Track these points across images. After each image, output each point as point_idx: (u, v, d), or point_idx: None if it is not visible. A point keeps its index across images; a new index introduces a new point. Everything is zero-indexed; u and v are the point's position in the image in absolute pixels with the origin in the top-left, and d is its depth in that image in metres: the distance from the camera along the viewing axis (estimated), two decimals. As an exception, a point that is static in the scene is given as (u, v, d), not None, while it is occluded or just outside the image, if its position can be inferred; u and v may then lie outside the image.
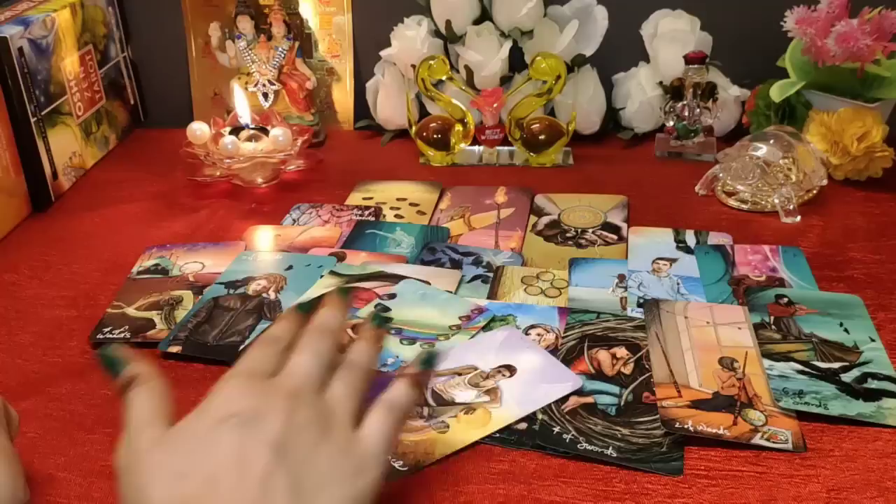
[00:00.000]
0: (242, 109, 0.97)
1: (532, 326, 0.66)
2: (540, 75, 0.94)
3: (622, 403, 0.58)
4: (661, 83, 0.99)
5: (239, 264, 0.77)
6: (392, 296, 0.71)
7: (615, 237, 0.80)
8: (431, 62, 0.95)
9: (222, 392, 0.45)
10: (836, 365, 0.60)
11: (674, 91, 0.94)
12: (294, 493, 0.39)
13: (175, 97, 1.13)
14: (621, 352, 0.63)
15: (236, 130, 0.95)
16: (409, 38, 1.00)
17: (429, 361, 0.49)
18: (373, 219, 0.86)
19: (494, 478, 0.53)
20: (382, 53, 1.04)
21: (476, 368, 0.61)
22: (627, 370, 0.61)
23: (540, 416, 0.57)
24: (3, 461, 0.46)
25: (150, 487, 0.40)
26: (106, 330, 0.69)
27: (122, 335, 0.68)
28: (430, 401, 0.59)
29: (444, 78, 0.97)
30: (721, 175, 0.86)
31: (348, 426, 0.44)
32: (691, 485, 0.52)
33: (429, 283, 0.72)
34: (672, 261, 0.75)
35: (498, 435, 0.56)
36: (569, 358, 0.62)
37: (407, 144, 1.02)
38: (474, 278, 0.74)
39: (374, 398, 0.59)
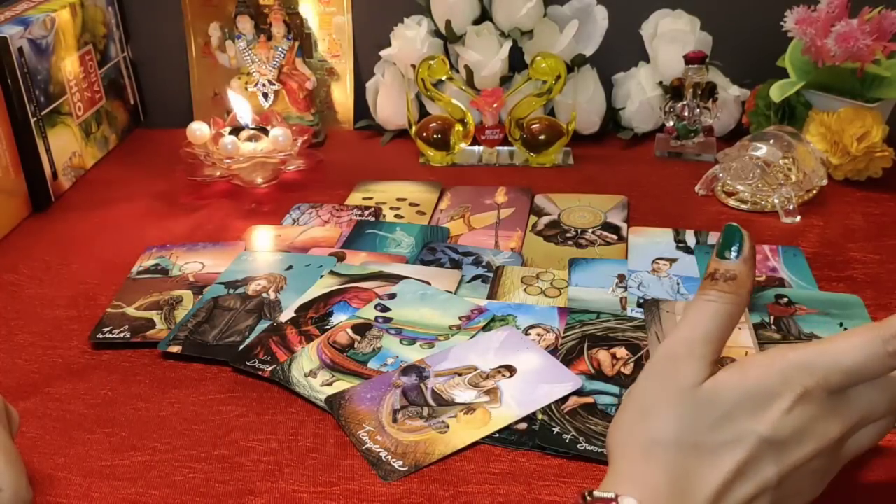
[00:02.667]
0: (241, 111, 0.96)
1: (532, 326, 0.66)
2: (540, 75, 0.94)
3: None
4: (661, 83, 0.99)
5: (239, 264, 0.77)
6: (392, 296, 0.71)
7: (615, 237, 0.80)
8: (431, 62, 0.95)
9: (779, 395, 0.42)
10: (836, 365, 0.60)
11: (674, 91, 0.94)
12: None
13: (175, 97, 1.12)
14: (621, 352, 0.63)
15: (236, 130, 0.95)
16: (409, 38, 1.00)
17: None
18: (373, 219, 0.86)
19: (494, 478, 0.53)
20: (382, 53, 1.04)
21: (476, 368, 0.61)
22: (627, 370, 0.61)
23: (540, 416, 0.57)
24: (5, 460, 0.46)
25: (663, 423, 0.42)
26: (106, 330, 0.69)
27: (121, 335, 0.68)
28: (430, 401, 0.59)
29: (444, 78, 0.97)
30: (721, 175, 0.86)
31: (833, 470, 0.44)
32: (691, 485, 0.52)
33: (429, 283, 0.72)
34: (672, 261, 0.75)
35: (498, 435, 0.56)
36: (569, 358, 0.62)
37: (407, 144, 1.02)
38: (474, 278, 0.74)
39: (373, 398, 0.59)
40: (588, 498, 0.40)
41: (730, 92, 0.97)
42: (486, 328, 0.66)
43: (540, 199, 0.88)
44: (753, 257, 0.45)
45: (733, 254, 0.45)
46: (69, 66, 0.97)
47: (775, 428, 0.41)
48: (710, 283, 0.44)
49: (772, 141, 0.83)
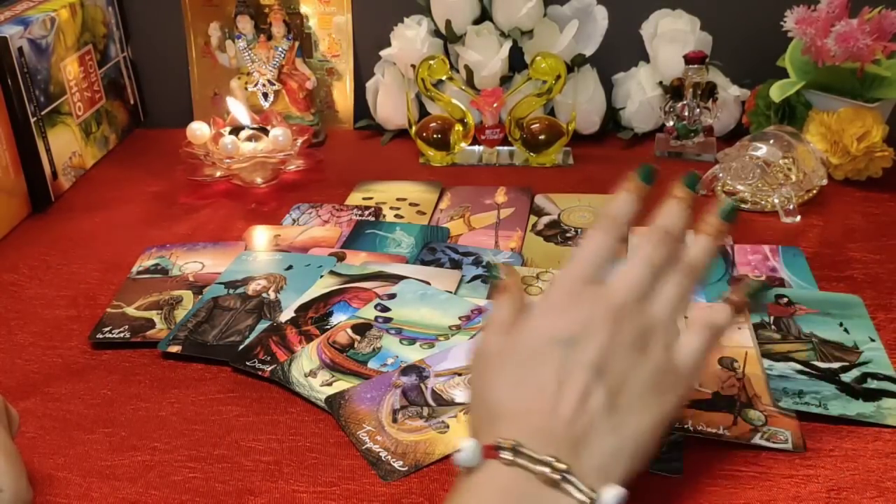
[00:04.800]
0: (239, 115, 0.96)
1: (532, 326, 0.66)
2: (540, 75, 0.94)
3: (622, 403, 0.58)
4: (661, 83, 0.99)
5: (239, 264, 0.77)
6: (392, 296, 0.71)
7: (615, 237, 0.80)
8: (431, 62, 0.95)
9: (553, 300, 0.49)
10: (836, 365, 0.60)
11: (674, 91, 0.94)
12: (608, 409, 0.44)
13: (175, 97, 1.12)
14: (621, 352, 0.63)
15: (236, 130, 0.95)
16: (409, 38, 1.00)
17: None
18: (373, 219, 0.86)
19: (494, 478, 0.53)
20: (382, 53, 1.04)
21: (476, 368, 0.61)
22: (627, 370, 0.61)
23: (540, 416, 0.57)
24: (5, 460, 0.46)
25: (494, 386, 0.46)
26: (106, 329, 0.69)
27: (121, 335, 0.68)
28: (430, 401, 0.59)
29: (444, 78, 0.97)
30: (721, 175, 0.86)
31: (666, 343, 0.47)
32: (691, 485, 0.52)
33: (429, 283, 0.72)
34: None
35: (498, 435, 0.56)
36: (569, 358, 0.62)
37: (407, 144, 1.02)
38: (474, 278, 0.74)
39: (373, 398, 0.59)
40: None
41: (730, 92, 0.97)
42: (486, 328, 0.66)
43: (540, 199, 0.88)
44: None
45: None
46: (69, 65, 0.97)
47: (560, 327, 0.46)
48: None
49: (772, 141, 0.83)
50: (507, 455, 0.41)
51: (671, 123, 0.95)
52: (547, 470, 0.41)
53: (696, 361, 0.48)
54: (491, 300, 0.49)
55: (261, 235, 0.84)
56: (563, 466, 0.41)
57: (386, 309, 0.69)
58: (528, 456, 0.41)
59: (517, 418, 0.44)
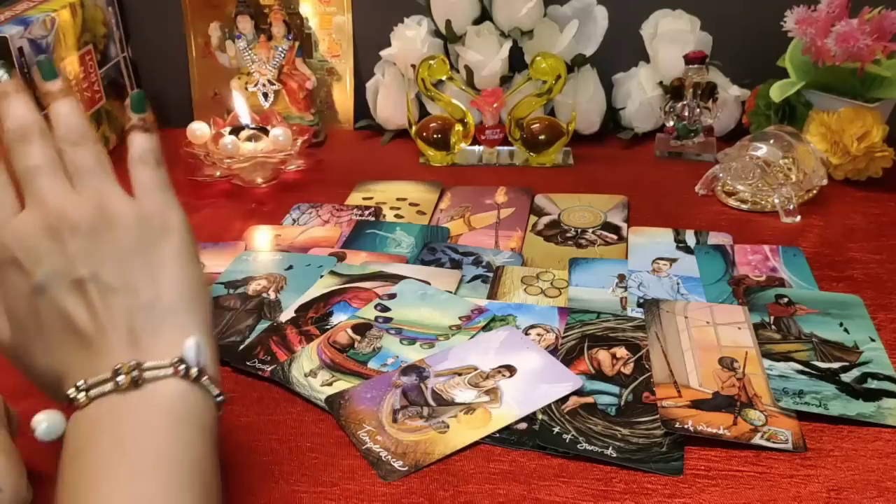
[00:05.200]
0: (242, 112, 0.96)
1: (532, 326, 0.66)
2: (540, 75, 0.94)
3: (622, 403, 0.58)
4: (661, 83, 0.99)
5: (239, 264, 0.77)
6: (392, 296, 0.71)
7: (615, 237, 0.80)
8: (431, 62, 0.95)
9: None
10: (836, 365, 0.60)
11: (674, 91, 0.94)
12: (105, 293, 0.43)
13: (175, 97, 1.12)
14: (621, 352, 0.63)
15: (236, 130, 0.95)
16: (409, 38, 1.00)
17: (138, 102, 0.52)
18: (373, 219, 0.86)
19: (494, 478, 0.53)
20: (382, 53, 1.04)
21: (476, 368, 0.61)
22: (627, 370, 0.61)
23: (540, 416, 0.57)
24: (6, 460, 0.46)
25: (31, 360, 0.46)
26: (106, 330, 0.69)
27: (122, 335, 0.68)
28: (430, 401, 0.59)
29: (444, 78, 0.97)
30: (721, 175, 0.86)
31: (123, 207, 0.46)
32: (691, 485, 0.52)
33: (429, 283, 0.72)
34: (672, 261, 0.75)
35: (498, 435, 0.56)
36: (569, 358, 0.62)
37: (407, 144, 1.02)
38: (474, 278, 0.74)
39: (373, 398, 0.59)
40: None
41: (730, 92, 0.97)
42: (486, 328, 0.66)
43: (540, 199, 0.88)
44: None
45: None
46: (69, 66, 0.97)
47: None
48: None
49: (772, 141, 0.83)
50: (81, 398, 0.41)
51: (671, 123, 0.95)
52: (123, 378, 0.41)
53: (164, 193, 0.48)
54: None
55: (261, 235, 0.84)
56: (132, 362, 0.42)
57: (386, 309, 0.69)
58: (96, 383, 0.41)
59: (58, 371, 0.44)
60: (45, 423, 0.42)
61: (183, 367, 0.43)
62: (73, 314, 0.43)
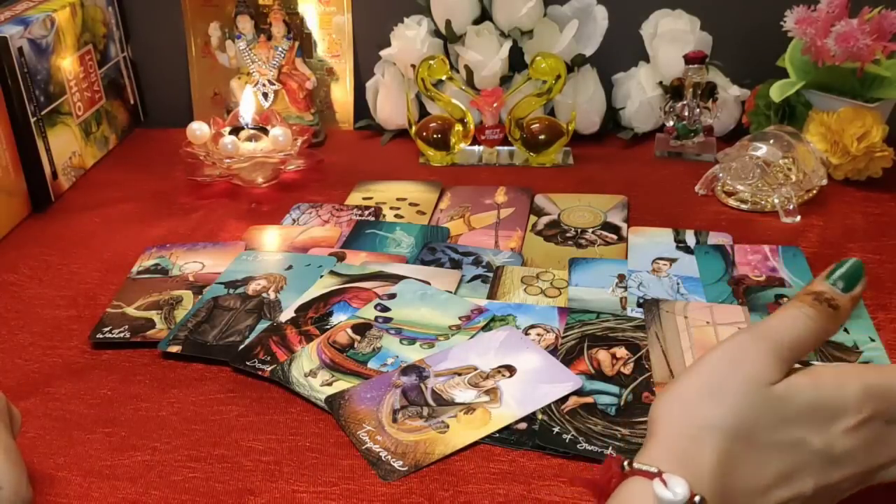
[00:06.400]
0: (247, 108, 0.96)
1: (532, 326, 0.66)
2: (540, 75, 0.94)
3: (622, 403, 0.58)
4: (661, 83, 0.99)
5: (239, 264, 0.77)
6: (392, 296, 0.71)
7: (615, 237, 0.80)
8: (431, 62, 0.95)
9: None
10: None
11: (674, 91, 0.94)
12: None
13: (175, 97, 1.12)
14: (621, 352, 0.63)
15: (236, 130, 0.95)
16: (409, 38, 1.00)
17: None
18: (373, 219, 0.86)
19: (494, 478, 0.53)
20: (382, 53, 1.04)
21: (476, 368, 0.61)
22: (627, 370, 0.61)
23: (540, 416, 0.57)
24: (6, 459, 0.46)
25: (727, 409, 0.41)
26: (106, 329, 0.69)
27: (121, 335, 0.68)
28: (430, 401, 0.59)
29: (443, 78, 0.97)
30: (721, 175, 0.86)
31: None
32: (691, 485, 0.51)
33: (429, 283, 0.72)
34: (672, 261, 0.75)
35: (498, 435, 0.56)
36: (569, 358, 0.62)
37: (407, 144, 1.02)
38: (474, 278, 0.74)
39: (373, 398, 0.59)
40: (627, 468, 0.40)
41: (730, 92, 0.97)
42: (486, 328, 0.66)
43: (540, 199, 0.88)
44: (860, 297, 0.45)
45: (844, 285, 0.45)
46: (69, 65, 0.97)
47: (832, 445, 0.41)
48: (812, 300, 0.44)
49: (772, 141, 0.83)
50: None
51: (671, 123, 0.95)
52: None
53: None
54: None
55: (261, 235, 0.84)
56: None
57: (386, 309, 0.69)
58: None
59: (723, 479, 0.40)
60: (677, 497, 0.38)
61: None
62: (785, 490, 0.41)
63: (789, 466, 0.41)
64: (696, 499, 0.38)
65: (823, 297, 0.44)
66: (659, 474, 0.38)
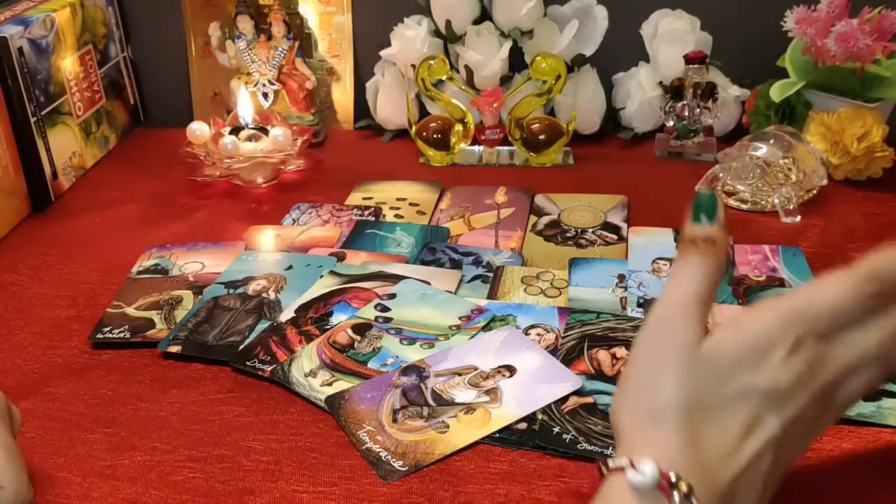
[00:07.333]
0: (245, 109, 0.96)
1: (532, 326, 0.66)
2: (540, 75, 0.94)
3: (622, 403, 0.58)
4: (661, 83, 0.99)
5: (239, 264, 0.77)
6: (392, 296, 0.71)
7: (615, 237, 0.80)
8: (431, 62, 0.95)
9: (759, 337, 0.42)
10: (836, 365, 0.60)
11: (674, 91, 0.94)
12: (767, 475, 0.42)
13: (175, 97, 1.13)
14: (621, 352, 0.63)
15: (236, 130, 0.95)
16: (409, 38, 1.00)
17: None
18: (373, 219, 0.86)
19: (494, 478, 0.53)
20: (382, 53, 1.04)
21: (476, 368, 0.61)
22: (627, 370, 0.61)
23: (540, 416, 0.57)
24: (7, 459, 0.46)
25: (668, 388, 0.41)
26: (106, 329, 0.69)
27: (121, 335, 0.68)
28: (430, 401, 0.59)
29: (444, 78, 0.97)
30: (721, 175, 0.86)
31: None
32: (691, 485, 0.51)
33: (429, 283, 0.72)
34: (672, 261, 0.75)
35: (498, 435, 0.56)
36: (569, 358, 0.62)
37: (407, 144, 1.02)
38: (474, 278, 0.74)
39: (373, 398, 0.59)
40: (605, 471, 0.40)
41: (730, 92, 0.97)
42: (486, 328, 0.66)
43: (540, 199, 0.88)
44: (726, 220, 0.46)
45: (708, 220, 0.45)
46: (69, 65, 0.97)
47: (776, 379, 0.41)
48: (691, 246, 0.45)
49: (772, 141, 0.83)
50: (676, 497, 0.38)
51: (671, 123, 0.95)
52: None
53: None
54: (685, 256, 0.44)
55: (261, 235, 0.84)
56: None
57: (386, 309, 0.69)
58: None
59: (691, 450, 0.40)
60: (645, 477, 0.38)
61: None
62: (749, 445, 0.41)
63: (747, 415, 0.41)
64: (672, 477, 0.38)
65: (698, 238, 0.44)
66: (631, 464, 0.39)
